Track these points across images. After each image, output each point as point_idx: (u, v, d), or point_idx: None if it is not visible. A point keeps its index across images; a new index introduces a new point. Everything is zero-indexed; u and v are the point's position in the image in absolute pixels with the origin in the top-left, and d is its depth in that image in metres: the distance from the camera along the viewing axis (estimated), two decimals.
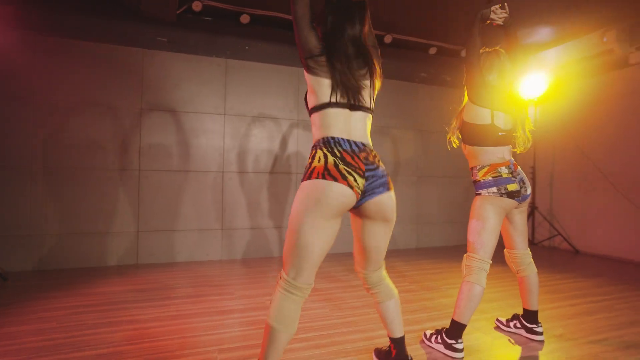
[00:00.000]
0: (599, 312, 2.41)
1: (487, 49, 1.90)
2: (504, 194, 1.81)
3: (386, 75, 4.46)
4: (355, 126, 1.36)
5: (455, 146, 2.00)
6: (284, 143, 4.15)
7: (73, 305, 2.41)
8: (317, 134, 1.36)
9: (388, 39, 4.29)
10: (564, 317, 2.31)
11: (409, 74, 4.66)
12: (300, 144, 4.22)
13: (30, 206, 3.29)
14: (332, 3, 1.38)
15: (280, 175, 4.12)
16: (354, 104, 1.35)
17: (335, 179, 1.25)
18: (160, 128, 3.69)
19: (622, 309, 2.49)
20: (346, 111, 1.35)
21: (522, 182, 1.85)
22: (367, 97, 1.39)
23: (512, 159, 1.89)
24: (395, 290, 1.55)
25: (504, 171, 1.82)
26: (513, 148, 1.90)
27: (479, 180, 1.84)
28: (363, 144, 1.35)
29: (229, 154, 3.93)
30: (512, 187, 1.81)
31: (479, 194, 1.84)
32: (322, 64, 1.31)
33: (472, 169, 1.90)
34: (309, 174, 1.29)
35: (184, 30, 3.71)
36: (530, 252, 2.00)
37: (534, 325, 1.96)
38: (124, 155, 3.57)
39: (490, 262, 1.82)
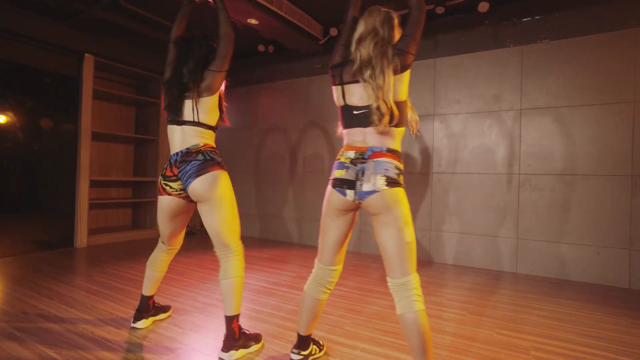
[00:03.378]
0: None
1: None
2: (330, 180, 1.46)
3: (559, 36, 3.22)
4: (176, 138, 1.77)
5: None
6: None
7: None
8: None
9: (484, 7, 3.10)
10: None
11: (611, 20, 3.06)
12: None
13: (250, 196, 5.17)
14: None
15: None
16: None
17: (160, 193, 1.80)
18: (317, 137, 4.63)
19: None
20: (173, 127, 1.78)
21: (361, 172, 1.36)
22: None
23: (383, 147, 1.39)
24: (232, 272, 1.69)
25: (345, 155, 1.44)
26: (387, 128, 1.38)
27: None
28: (182, 151, 1.73)
29: None
30: (339, 173, 1.42)
31: None
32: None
33: None
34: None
35: (331, 55, 4.47)
36: (408, 283, 1.34)
37: None
38: (291, 160, 4.79)
39: (332, 268, 1.49)
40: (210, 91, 1.73)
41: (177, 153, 1.74)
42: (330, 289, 1.57)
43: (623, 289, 2.95)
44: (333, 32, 4.25)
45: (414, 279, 1.36)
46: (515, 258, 3.42)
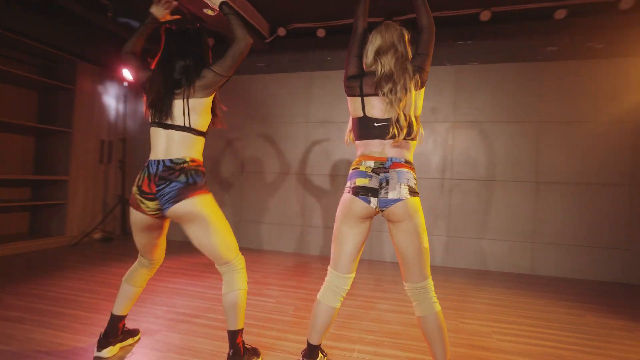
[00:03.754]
0: None
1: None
2: (351, 189, 1.48)
3: (488, 60, 3.77)
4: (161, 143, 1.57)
5: (347, 145, 1.76)
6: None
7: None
8: None
9: (485, 15, 3.60)
10: None
11: (526, 52, 3.71)
12: None
13: None
14: None
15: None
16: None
17: (134, 207, 1.60)
18: (258, 138, 4.50)
19: None
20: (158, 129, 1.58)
21: (385, 181, 1.43)
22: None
23: (401, 158, 1.47)
24: (236, 286, 1.58)
25: (365, 164, 1.48)
26: (406, 141, 1.47)
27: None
28: (164, 163, 1.54)
29: (314, 155, 4.31)
30: (361, 181, 1.46)
31: None
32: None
33: None
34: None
35: (276, 54, 4.41)
36: (426, 287, 1.47)
37: None
38: (233, 165, 4.58)
39: (348, 276, 1.53)
40: (206, 92, 1.58)
41: (158, 162, 1.54)
42: (344, 297, 1.59)
43: (528, 275, 3.59)
44: (281, 32, 4.19)
45: (431, 282, 1.47)
46: (447, 253, 3.87)
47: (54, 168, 4.18)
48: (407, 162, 1.49)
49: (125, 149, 4.57)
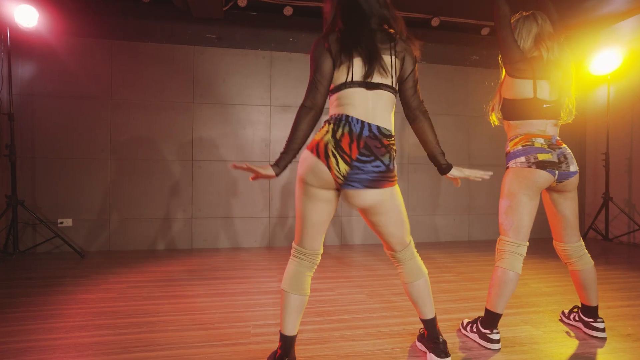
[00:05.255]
0: None
1: (523, 13, 1.73)
2: (533, 163, 1.61)
3: (433, 60, 4.38)
4: (375, 106, 1.32)
5: (493, 125, 1.87)
6: None
7: (132, 281, 2.64)
8: None
9: (435, 22, 4.12)
10: (636, 317, 2.04)
11: (459, 57, 4.47)
12: None
13: (102, 193, 3.67)
14: None
15: None
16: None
17: (318, 156, 1.28)
18: (210, 121, 3.90)
19: None
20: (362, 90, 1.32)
21: (562, 156, 1.64)
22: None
23: (557, 136, 1.69)
24: (424, 270, 1.48)
25: (538, 141, 1.64)
26: (559, 121, 1.71)
27: (509, 152, 1.70)
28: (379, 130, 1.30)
29: (275, 144, 4.03)
30: (544, 156, 1.61)
31: (508, 167, 1.70)
32: None
33: (507, 142, 1.76)
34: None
35: (231, 26, 3.89)
36: (582, 244, 1.79)
37: (591, 320, 1.76)
38: (180, 147, 3.83)
39: (527, 244, 1.67)
40: None
41: (363, 123, 1.29)
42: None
43: (467, 241, 4.41)
44: (241, 2, 3.73)
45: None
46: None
47: None
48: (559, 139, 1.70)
49: (13, 130, 3.19)
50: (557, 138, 1.67)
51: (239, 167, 1.28)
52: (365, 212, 1.37)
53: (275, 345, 1.58)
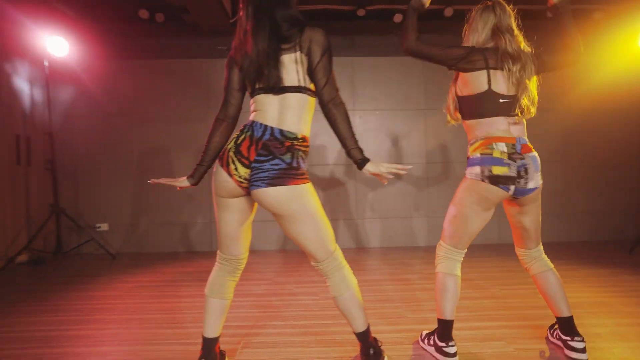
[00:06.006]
0: None
1: (487, 3, 1.58)
2: (487, 177, 1.44)
3: None
4: (283, 111, 1.30)
5: (449, 125, 1.72)
6: None
7: (141, 281, 2.90)
8: None
9: (449, 12, 3.88)
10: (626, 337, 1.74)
11: None
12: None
13: (131, 200, 4.05)
14: None
15: (337, 167, 4.12)
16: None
17: (221, 165, 1.30)
18: None
19: None
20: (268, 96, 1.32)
21: (523, 169, 1.44)
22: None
23: (525, 138, 1.50)
24: (351, 282, 1.38)
25: (498, 148, 1.45)
26: (521, 118, 1.51)
27: (468, 157, 1.54)
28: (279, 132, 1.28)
29: None
30: (500, 170, 1.42)
31: (464, 174, 1.55)
32: None
33: (468, 145, 1.60)
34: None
35: None
36: (540, 248, 1.61)
37: (569, 338, 1.53)
38: (196, 156, 4.07)
39: (464, 251, 1.56)
40: None
41: (266, 127, 1.28)
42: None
43: (496, 245, 4.07)
44: None
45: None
46: (427, 235, 4.13)
47: None
48: (528, 142, 1.50)
49: (54, 146, 3.66)
50: (524, 141, 1.48)
51: (156, 182, 1.35)
52: (276, 216, 1.34)
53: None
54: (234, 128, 1.37)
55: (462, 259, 1.56)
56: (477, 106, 1.51)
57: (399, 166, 1.32)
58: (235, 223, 1.36)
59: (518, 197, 1.48)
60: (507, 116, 1.48)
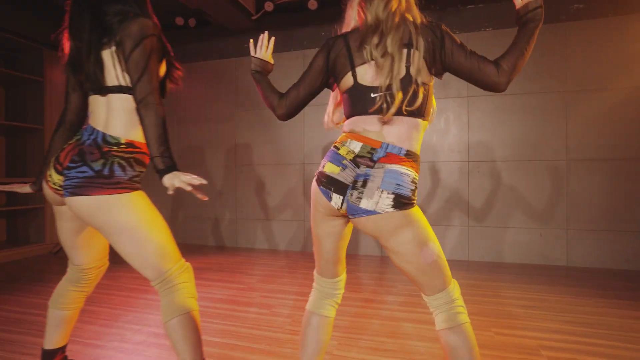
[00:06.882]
0: None
1: None
2: (317, 174, 1.10)
3: (505, 25, 3.31)
4: (109, 114, 1.16)
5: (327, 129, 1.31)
6: None
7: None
8: None
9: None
10: None
11: (554, 11, 3.24)
12: None
13: (171, 195, 4.38)
14: None
15: None
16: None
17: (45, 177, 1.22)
18: (251, 127, 4.08)
19: None
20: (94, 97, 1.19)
21: (362, 180, 1.01)
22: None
23: (403, 147, 1.02)
24: (184, 307, 1.14)
25: (347, 146, 1.05)
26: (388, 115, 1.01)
27: None
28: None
29: (310, 142, 3.88)
30: (331, 168, 1.05)
31: None
32: None
33: None
34: None
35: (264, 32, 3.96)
36: (444, 295, 1.06)
37: None
38: (225, 153, 4.17)
39: (335, 280, 1.19)
40: None
41: (96, 131, 1.17)
42: (338, 303, 1.22)
43: (562, 267, 3.14)
44: (268, 6, 3.75)
45: (453, 288, 1.06)
46: (467, 245, 3.44)
47: (27, 169, 3.81)
48: (408, 154, 1.03)
49: None
50: (398, 151, 1.02)
51: (5, 189, 1.32)
52: (95, 230, 1.21)
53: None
54: (74, 133, 1.24)
55: (335, 294, 1.19)
56: (347, 104, 1.11)
57: (192, 178, 1.08)
58: (69, 231, 1.26)
59: (351, 215, 1.03)
60: (379, 115, 1.04)
